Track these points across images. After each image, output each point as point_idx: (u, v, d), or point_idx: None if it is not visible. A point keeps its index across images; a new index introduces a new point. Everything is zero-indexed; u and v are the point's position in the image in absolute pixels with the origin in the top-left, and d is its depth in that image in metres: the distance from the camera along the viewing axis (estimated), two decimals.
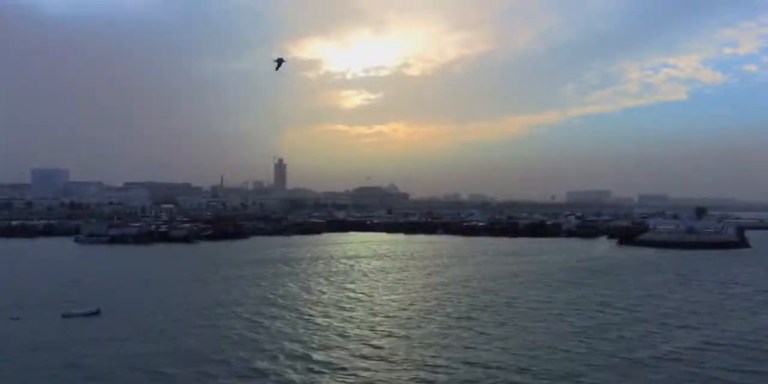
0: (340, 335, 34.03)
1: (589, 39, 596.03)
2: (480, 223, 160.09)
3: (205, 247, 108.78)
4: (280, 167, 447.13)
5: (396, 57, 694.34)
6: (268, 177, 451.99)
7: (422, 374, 26.30)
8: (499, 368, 27.12)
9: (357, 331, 34.97)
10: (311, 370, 26.97)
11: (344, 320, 38.43)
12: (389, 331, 34.95)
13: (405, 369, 27.13)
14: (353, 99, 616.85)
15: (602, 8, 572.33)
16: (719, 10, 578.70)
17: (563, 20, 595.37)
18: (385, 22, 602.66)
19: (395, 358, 28.81)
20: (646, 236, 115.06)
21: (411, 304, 44.66)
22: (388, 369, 27.13)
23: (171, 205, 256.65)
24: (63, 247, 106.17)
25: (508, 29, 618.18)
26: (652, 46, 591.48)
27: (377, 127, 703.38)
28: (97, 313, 39.86)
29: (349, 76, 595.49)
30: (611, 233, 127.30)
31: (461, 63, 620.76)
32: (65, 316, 38.82)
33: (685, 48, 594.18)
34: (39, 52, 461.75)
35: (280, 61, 47.78)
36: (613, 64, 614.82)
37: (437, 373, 26.49)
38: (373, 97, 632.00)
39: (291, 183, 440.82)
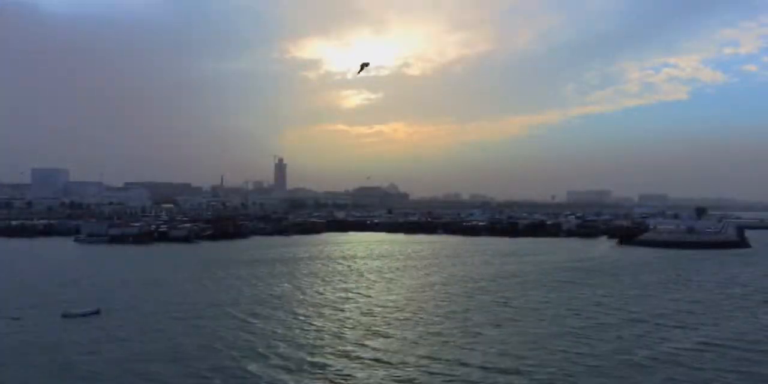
0: (336, 336, 34.09)
1: (589, 39, 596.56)
2: (480, 223, 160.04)
3: (205, 247, 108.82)
4: (280, 167, 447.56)
5: (396, 57, 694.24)
6: (268, 177, 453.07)
7: (418, 375, 26.33)
8: (496, 369, 27.15)
9: (353, 332, 35.00)
10: (306, 371, 27.01)
11: (340, 321, 38.46)
12: (385, 332, 34.99)
13: (401, 370, 27.16)
14: (353, 99, 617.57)
15: (602, 8, 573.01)
16: (719, 10, 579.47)
17: (563, 20, 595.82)
18: (385, 22, 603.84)
19: (391, 359, 28.84)
20: (646, 236, 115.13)
21: (408, 305, 44.70)
22: (384, 370, 27.17)
23: (171, 205, 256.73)
24: (63, 247, 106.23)
25: (508, 29, 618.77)
26: (653, 46, 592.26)
27: (377, 127, 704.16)
28: (96, 313, 39.96)
29: (349, 76, 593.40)
30: (611, 233, 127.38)
31: (461, 63, 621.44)
32: (65, 316, 38.91)
33: (686, 48, 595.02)
34: (39, 52, 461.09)
35: (363, 66, 49.69)
36: (613, 64, 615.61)
37: (433, 373, 26.53)
38: (373, 97, 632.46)
39: (291, 183, 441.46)
